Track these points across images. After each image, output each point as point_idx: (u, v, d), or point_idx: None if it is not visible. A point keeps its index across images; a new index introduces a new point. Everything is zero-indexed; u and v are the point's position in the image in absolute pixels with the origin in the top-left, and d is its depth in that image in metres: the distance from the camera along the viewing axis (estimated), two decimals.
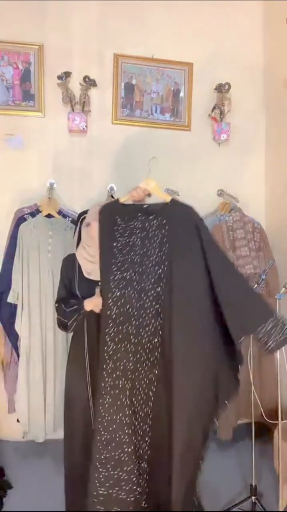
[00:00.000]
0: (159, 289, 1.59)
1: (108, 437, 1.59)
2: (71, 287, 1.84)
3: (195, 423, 1.55)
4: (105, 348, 1.61)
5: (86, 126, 2.58)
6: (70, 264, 1.87)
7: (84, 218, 2.39)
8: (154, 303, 1.59)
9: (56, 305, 1.83)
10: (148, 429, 1.61)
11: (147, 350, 1.60)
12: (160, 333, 1.58)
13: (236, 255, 2.52)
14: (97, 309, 1.70)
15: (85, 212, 2.46)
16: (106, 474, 1.59)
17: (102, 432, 1.59)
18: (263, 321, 1.52)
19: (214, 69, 2.78)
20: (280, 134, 2.73)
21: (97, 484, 1.58)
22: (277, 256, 2.66)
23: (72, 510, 1.82)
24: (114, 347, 1.61)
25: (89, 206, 2.49)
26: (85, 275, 1.81)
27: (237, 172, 2.86)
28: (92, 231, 1.77)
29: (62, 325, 1.79)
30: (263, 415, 2.08)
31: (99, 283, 1.71)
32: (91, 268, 1.80)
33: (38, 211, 2.45)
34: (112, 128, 2.69)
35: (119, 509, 1.59)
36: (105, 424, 1.60)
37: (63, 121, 2.58)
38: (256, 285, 2.07)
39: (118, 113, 2.69)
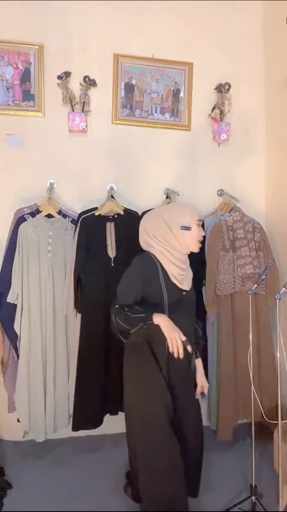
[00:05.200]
0: None
1: None
2: (147, 293, 1.68)
3: None
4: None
5: (86, 126, 2.58)
6: (152, 266, 1.71)
7: (84, 218, 2.42)
8: None
9: (117, 306, 1.66)
10: None
11: None
12: None
13: (236, 255, 2.52)
14: (171, 333, 1.56)
15: (85, 212, 2.47)
16: None
17: None
18: None
19: (214, 69, 2.78)
20: (280, 134, 2.73)
21: None
22: (277, 256, 2.66)
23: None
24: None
25: (90, 206, 2.53)
26: (177, 282, 1.71)
27: (237, 172, 2.86)
28: (189, 237, 1.71)
29: (121, 331, 1.64)
30: (263, 415, 2.08)
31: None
32: (182, 276, 1.73)
33: (38, 211, 2.45)
34: (112, 128, 2.69)
35: None
36: None
37: (63, 121, 2.58)
38: (256, 285, 2.07)
39: (118, 113, 2.68)
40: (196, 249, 1.75)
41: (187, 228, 1.70)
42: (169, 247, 1.70)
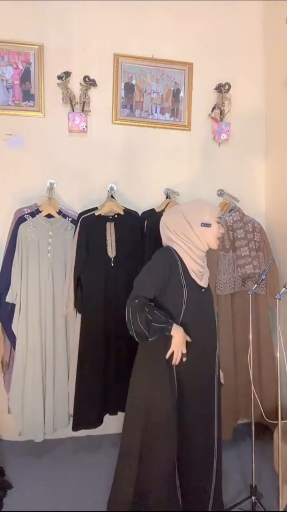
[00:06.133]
0: None
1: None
2: (166, 287, 1.67)
3: None
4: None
5: (86, 126, 2.58)
6: (172, 260, 1.70)
7: (84, 218, 2.42)
8: None
9: (136, 301, 1.61)
10: None
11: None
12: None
13: (236, 255, 2.52)
14: (178, 347, 1.61)
15: (85, 212, 2.47)
16: None
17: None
18: None
19: (214, 69, 2.78)
20: (280, 134, 2.73)
21: None
22: (277, 256, 2.66)
23: None
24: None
25: (90, 206, 2.53)
26: (196, 278, 1.71)
27: (237, 172, 2.86)
28: (210, 233, 1.73)
29: (139, 335, 1.61)
30: (263, 415, 2.08)
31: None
32: (201, 272, 1.74)
33: (38, 211, 2.45)
34: (112, 128, 2.69)
35: None
36: None
37: (63, 121, 2.58)
38: (256, 285, 2.07)
39: (118, 113, 2.68)
40: (215, 246, 1.78)
41: (207, 225, 1.72)
42: (190, 243, 1.72)
